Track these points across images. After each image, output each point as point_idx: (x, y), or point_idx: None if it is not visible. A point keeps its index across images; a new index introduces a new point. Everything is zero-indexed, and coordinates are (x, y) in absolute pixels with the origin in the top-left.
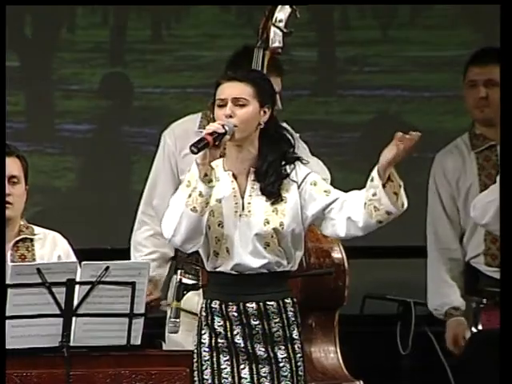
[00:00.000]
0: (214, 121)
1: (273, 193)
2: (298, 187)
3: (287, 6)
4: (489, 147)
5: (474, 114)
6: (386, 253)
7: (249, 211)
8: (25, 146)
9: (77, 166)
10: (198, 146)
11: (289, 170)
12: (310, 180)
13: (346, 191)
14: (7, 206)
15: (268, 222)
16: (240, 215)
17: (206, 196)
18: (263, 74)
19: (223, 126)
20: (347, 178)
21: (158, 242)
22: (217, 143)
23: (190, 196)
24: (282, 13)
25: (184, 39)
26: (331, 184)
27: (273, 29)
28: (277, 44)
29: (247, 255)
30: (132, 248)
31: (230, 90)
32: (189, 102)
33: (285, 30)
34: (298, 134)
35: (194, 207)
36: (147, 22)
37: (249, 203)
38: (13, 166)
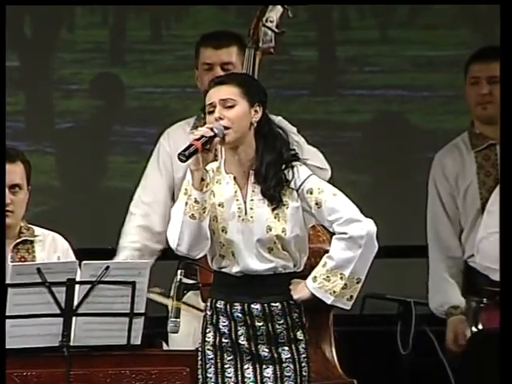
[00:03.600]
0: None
1: (274, 197)
2: (297, 192)
3: (279, 6)
4: (488, 146)
5: (476, 111)
6: (386, 252)
7: (251, 217)
8: (24, 146)
9: (75, 165)
10: (186, 154)
11: (289, 176)
12: (307, 187)
13: (345, 191)
14: (8, 214)
15: (270, 229)
16: (243, 219)
17: (202, 202)
18: (248, 75)
19: (211, 129)
20: (347, 178)
21: (144, 234)
22: (207, 147)
23: (186, 204)
24: (273, 13)
25: (184, 39)
26: (331, 184)
27: (263, 29)
28: (268, 44)
29: (252, 259)
30: (120, 238)
31: (217, 93)
32: (189, 102)
33: (276, 30)
34: (295, 128)
35: (193, 214)
36: (147, 21)
37: (251, 208)
38: (15, 173)
